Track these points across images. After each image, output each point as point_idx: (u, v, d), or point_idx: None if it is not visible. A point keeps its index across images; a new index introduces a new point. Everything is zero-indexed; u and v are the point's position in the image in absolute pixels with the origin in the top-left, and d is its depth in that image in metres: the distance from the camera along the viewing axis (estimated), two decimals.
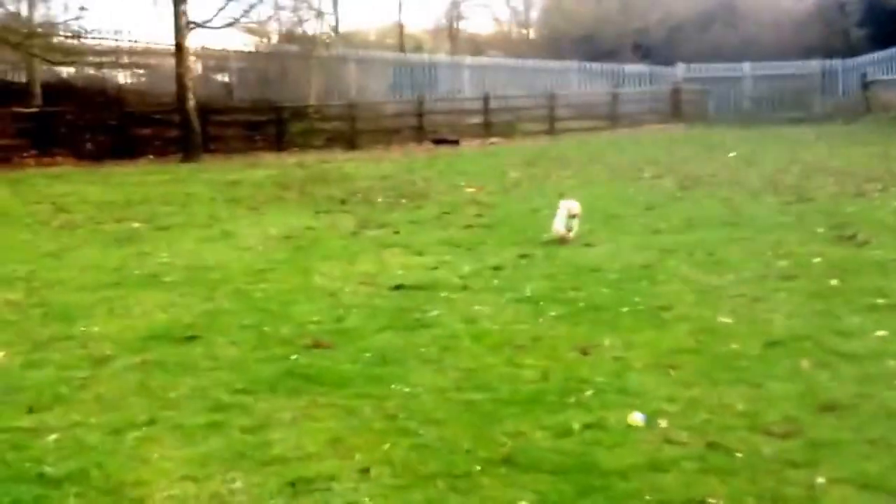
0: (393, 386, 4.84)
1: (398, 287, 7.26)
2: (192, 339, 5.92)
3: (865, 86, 31.47)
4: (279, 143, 24.67)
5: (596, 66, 34.88)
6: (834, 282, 6.85)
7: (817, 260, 7.70)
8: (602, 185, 14.37)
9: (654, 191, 13.33)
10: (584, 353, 5.38)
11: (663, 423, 4.19)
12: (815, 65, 34.04)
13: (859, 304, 6.16)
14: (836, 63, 33.99)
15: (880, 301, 6.17)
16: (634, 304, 6.50)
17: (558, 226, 9.23)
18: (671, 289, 6.96)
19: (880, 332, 5.41)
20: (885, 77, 30.81)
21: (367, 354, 5.42)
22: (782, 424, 4.07)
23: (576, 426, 4.19)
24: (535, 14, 47.52)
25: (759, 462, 3.72)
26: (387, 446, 4.02)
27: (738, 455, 3.79)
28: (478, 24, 52.35)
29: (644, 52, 37.00)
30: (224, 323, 6.34)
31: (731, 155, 18.86)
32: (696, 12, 37.27)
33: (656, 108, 32.36)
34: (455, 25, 45.92)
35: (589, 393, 4.66)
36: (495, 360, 5.27)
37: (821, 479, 3.53)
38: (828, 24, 36.14)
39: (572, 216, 9.19)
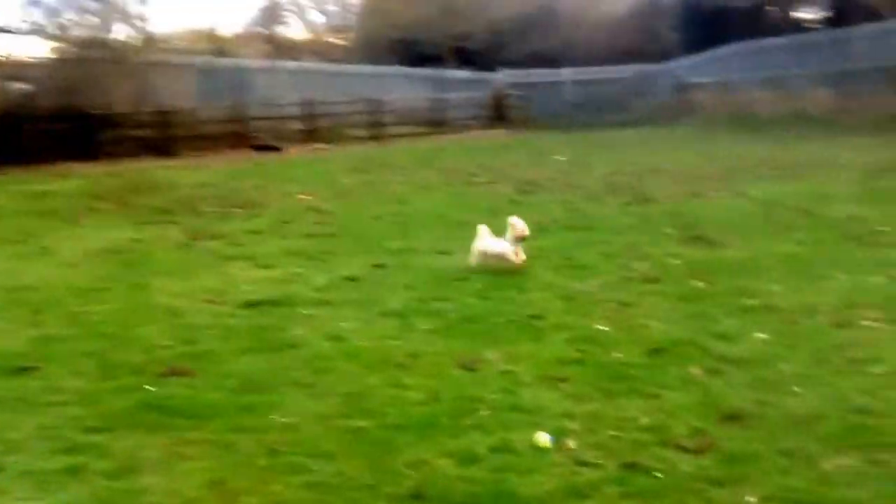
0: (269, 416, 4.37)
1: (252, 304, 6.75)
2: (25, 370, 5.24)
3: (681, 89, 32.85)
4: (88, 151, 23.18)
5: (419, 71, 34.92)
6: (699, 284, 6.84)
7: (676, 262, 7.71)
8: (439, 191, 14.20)
9: (493, 196, 13.24)
10: (469, 368, 5.08)
11: (571, 442, 3.93)
12: (632, 69, 35.28)
13: (730, 305, 6.13)
14: (653, 67, 35.34)
15: (749, 302, 6.17)
16: (507, 314, 6.26)
17: (503, 247, 7.66)
18: (539, 296, 6.77)
19: (760, 335, 5.36)
20: (699, 80, 32.23)
21: (233, 381, 4.92)
22: (692, 438, 3.89)
23: (481, 450, 3.87)
24: (351, 18, 47.23)
25: (681, 481, 3.51)
26: (277, 487, 3.57)
27: (658, 475, 3.57)
28: (294, 29, 51.47)
29: (466, 57, 37.35)
30: (60, 350, 5.66)
31: (561, 159, 19.12)
32: (518, 17, 37.94)
33: (480, 113, 32.69)
34: (271, 30, 45.03)
35: (484, 412, 4.36)
36: (376, 381, 4.89)
37: (751, 498, 3.34)
38: (643, 28, 37.56)
39: (521, 238, 7.69)
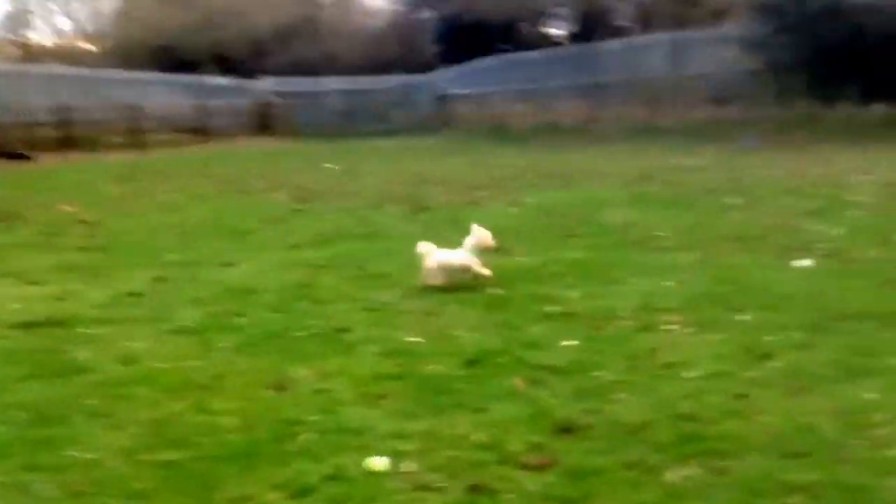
0: (67, 451, 3.88)
1: (26, 325, 6.07)
2: None
3: (442, 100, 33.52)
4: None
5: (178, 77, 33.63)
6: (499, 291, 6.83)
7: None
8: (214, 200, 13.64)
9: (271, 205, 12.86)
10: (280, 388, 4.76)
11: (408, 465, 3.73)
12: (395, 80, 35.63)
13: (533, 312, 6.14)
14: (415, 78, 35.85)
15: (551, 309, 6.20)
16: (308, 327, 5.97)
17: (465, 258, 6.94)
18: (339, 308, 6.53)
19: (570, 342, 5.38)
20: (459, 92, 33.01)
21: (20, 413, 4.35)
22: (532, 454, 3.79)
23: (312, 480, 3.59)
24: (105, 24, 44.85)
25: (530, 502, 3.39)
26: None
27: (508, 496, 3.43)
28: (43, 34, 48.10)
29: (227, 64, 36.37)
30: None
31: (334, 168, 18.93)
32: (279, 26, 37.39)
33: (246, 121, 31.91)
34: (19, 35, 41.99)
35: (307, 436, 4.07)
36: (180, 407, 4.47)
37: None
38: (404, 40, 38.07)
39: (486, 248, 7.01)
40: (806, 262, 7.05)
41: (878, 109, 19.16)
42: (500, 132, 26.85)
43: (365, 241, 9.46)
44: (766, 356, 4.86)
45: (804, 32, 20.77)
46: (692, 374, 4.66)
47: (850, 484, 3.37)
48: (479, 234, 7.01)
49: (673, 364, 4.83)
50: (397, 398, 4.55)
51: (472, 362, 5.07)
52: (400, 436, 4.05)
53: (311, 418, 4.29)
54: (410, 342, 5.56)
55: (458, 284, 6.90)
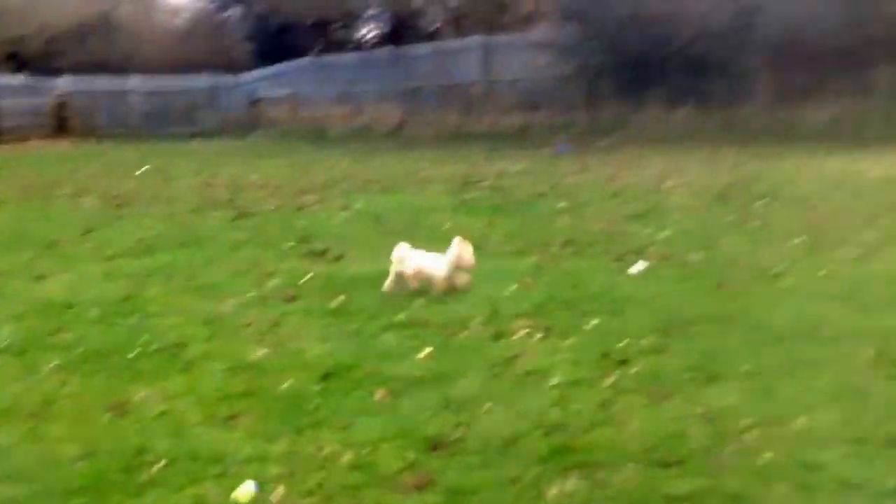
0: None
1: None
2: None
3: (253, 102, 32.75)
4: None
5: None
6: (340, 298, 6.62)
7: (308, 277, 7.43)
8: (16, 206, 12.73)
9: (82, 211, 12.10)
10: (120, 411, 4.38)
11: (278, 490, 3.48)
12: (204, 80, 34.53)
13: (381, 321, 5.95)
14: (225, 79, 34.87)
15: (399, 317, 6.04)
16: (141, 344, 5.55)
17: (439, 266, 6.62)
18: (173, 322, 6.13)
19: (424, 351, 5.25)
20: (272, 93, 32.33)
21: None
22: (407, 473, 3.62)
23: None
24: None
25: None
26: None
27: None
28: None
29: (20, 62, 34.17)
30: None
31: (143, 170, 18.07)
32: (74, 23, 35.46)
33: (41, 122, 30.02)
34: None
35: (160, 465, 3.74)
36: (12, 437, 4.04)
37: None
38: (213, 39, 36.96)
39: (465, 266, 6.61)
40: (641, 266, 7.21)
41: (682, 114, 20.14)
42: (316, 135, 26.45)
43: (189, 250, 9.00)
44: (623, 362, 4.88)
45: (610, 39, 21.57)
46: (554, 381, 4.62)
47: (731, 493, 3.38)
48: (461, 249, 6.61)
49: (533, 372, 4.78)
50: (252, 418, 4.27)
51: (326, 376, 4.85)
52: (262, 459, 3.80)
53: (161, 444, 3.96)
54: (256, 357, 5.27)
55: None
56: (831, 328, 5.40)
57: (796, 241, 8.10)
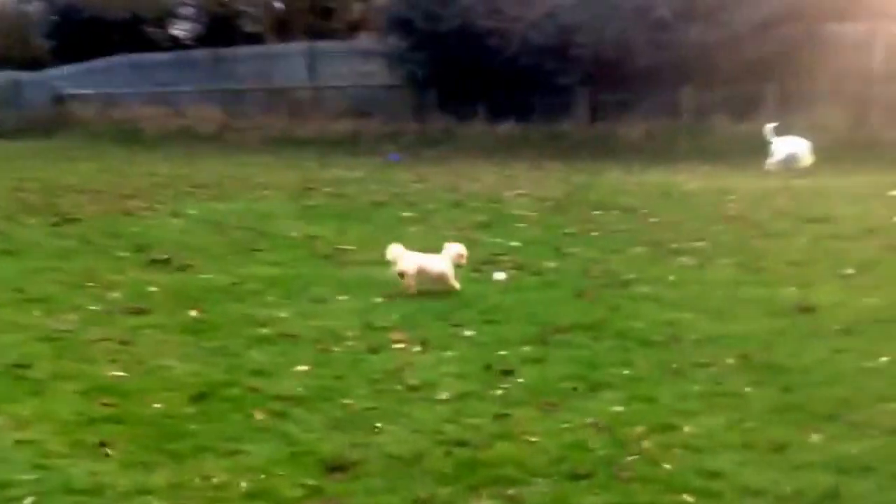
0: None
1: None
2: None
3: (58, 100, 30.94)
4: None
5: None
6: (193, 313, 6.25)
7: (153, 289, 6.99)
8: None
9: None
10: None
11: None
12: (2, 76, 32.37)
13: (246, 336, 5.66)
14: (25, 74, 32.80)
15: (264, 331, 5.76)
16: None
17: (440, 265, 6.71)
18: (9, 340, 5.62)
19: (300, 367, 5.01)
20: (79, 91, 30.65)
21: None
22: (312, 500, 3.41)
23: None
24: None
25: None
26: None
27: None
28: None
29: None
30: None
31: None
32: None
33: None
34: None
35: (28, 500, 3.38)
36: None
37: None
38: (10, 33, 34.72)
39: (458, 264, 6.75)
40: (502, 275, 7.21)
41: (507, 128, 20.53)
42: (128, 137, 25.21)
43: (11, 259, 8.33)
44: (508, 373, 4.83)
45: (436, 50, 21.67)
46: (443, 395, 4.50)
47: None
48: (455, 248, 6.76)
49: (419, 386, 4.65)
50: (124, 445, 3.93)
51: (199, 397, 4.54)
52: (144, 492, 3.49)
53: (26, 478, 3.58)
54: (114, 377, 4.88)
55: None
56: (691, 334, 5.53)
57: (638, 249, 8.31)
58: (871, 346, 5.13)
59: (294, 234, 9.39)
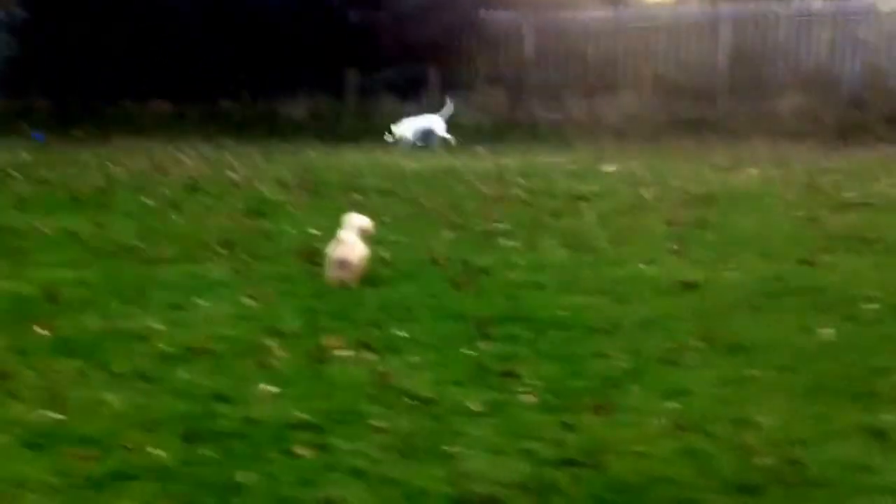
0: None
1: None
2: None
3: None
4: None
5: None
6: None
7: None
8: None
9: None
10: None
11: None
12: None
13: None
14: None
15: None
16: None
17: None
18: None
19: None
20: None
21: None
22: None
23: None
24: None
25: None
26: None
27: None
28: None
29: None
30: None
31: None
32: None
33: None
34: None
35: None
36: None
37: None
38: None
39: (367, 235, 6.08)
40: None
41: (162, 106, 19.17)
42: None
43: None
44: (507, 374, 4.33)
45: (65, 24, 19.62)
46: (475, 406, 3.92)
47: None
48: (361, 221, 6.11)
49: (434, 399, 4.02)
50: None
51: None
52: None
53: None
54: None
55: None
56: (623, 319, 5.30)
57: (448, 233, 7.90)
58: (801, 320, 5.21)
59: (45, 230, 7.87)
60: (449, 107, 16.33)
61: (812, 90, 17.29)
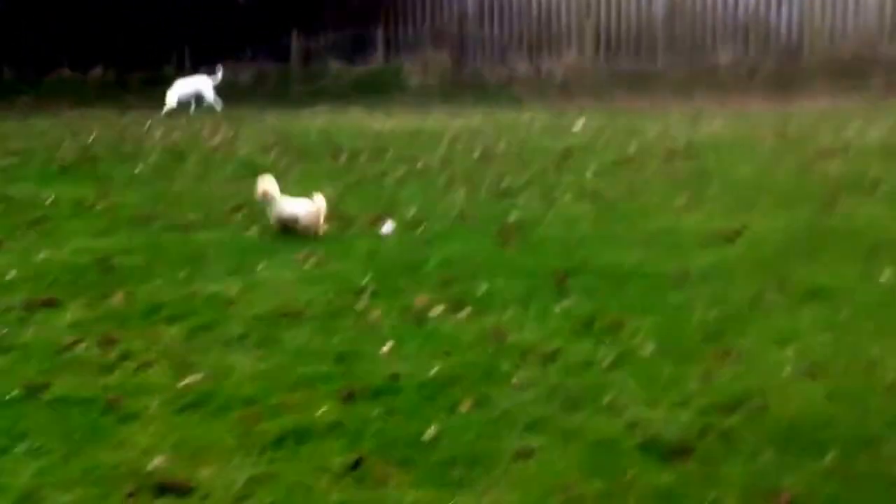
0: None
1: None
2: None
3: None
4: None
5: None
6: None
7: None
8: None
9: None
10: None
11: None
12: None
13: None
14: None
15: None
16: None
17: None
18: None
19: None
20: None
21: None
22: None
23: None
24: None
25: None
26: None
27: None
28: None
29: None
30: None
31: None
32: None
33: None
34: None
35: None
36: None
37: None
38: None
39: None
40: (390, 227, 6.51)
41: (97, 74, 18.64)
42: None
43: None
44: (618, 326, 4.40)
45: None
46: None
47: None
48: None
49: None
50: None
51: None
52: None
53: None
54: None
55: None
56: (692, 269, 5.34)
57: (462, 191, 7.85)
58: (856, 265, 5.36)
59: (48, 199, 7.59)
60: (219, 72, 15.96)
61: (748, 41, 17.59)
